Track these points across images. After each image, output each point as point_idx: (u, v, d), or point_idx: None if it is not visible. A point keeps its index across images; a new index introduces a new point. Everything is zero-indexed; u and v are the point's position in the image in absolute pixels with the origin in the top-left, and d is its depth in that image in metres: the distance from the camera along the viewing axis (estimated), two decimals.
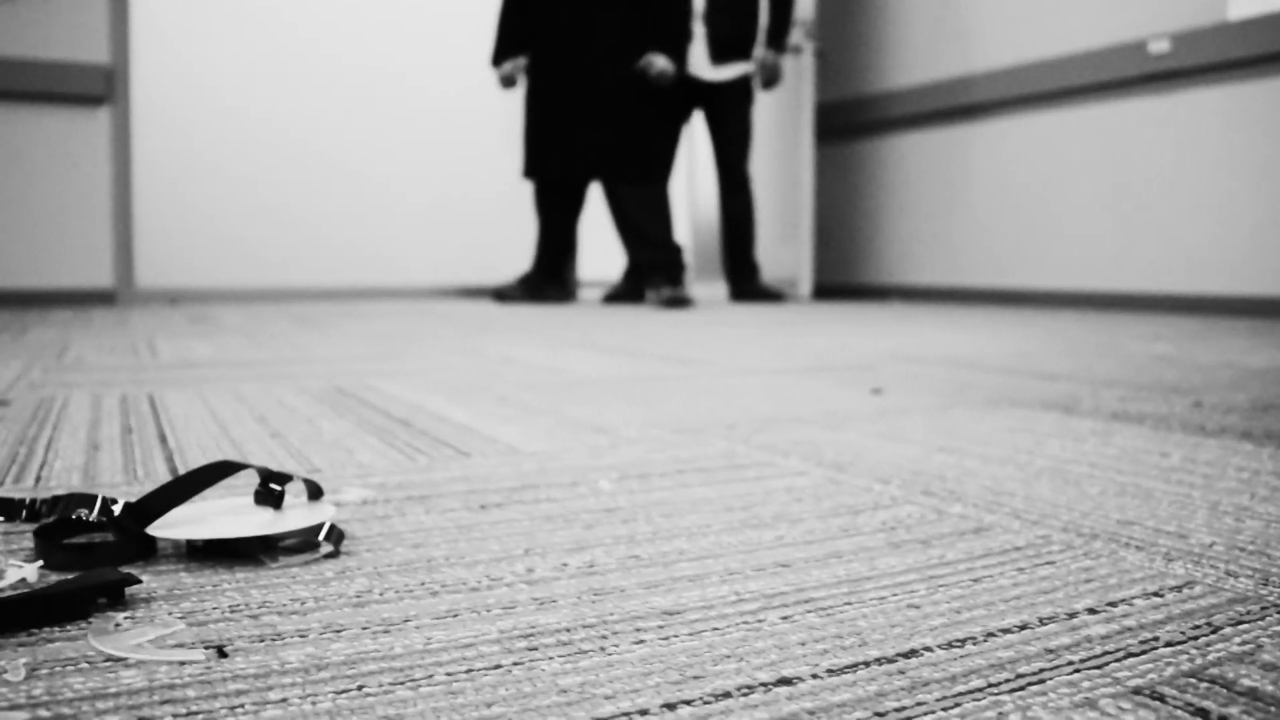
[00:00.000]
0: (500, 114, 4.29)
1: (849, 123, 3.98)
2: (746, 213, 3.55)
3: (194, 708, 0.35)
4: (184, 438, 0.87)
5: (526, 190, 4.34)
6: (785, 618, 0.45)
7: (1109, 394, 1.18)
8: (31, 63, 3.20)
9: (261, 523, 0.53)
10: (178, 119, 3.88)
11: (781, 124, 3.84)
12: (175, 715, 0.34)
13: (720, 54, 3.41)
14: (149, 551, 0.53)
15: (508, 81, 3.37)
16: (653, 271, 3.20)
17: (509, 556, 0.53)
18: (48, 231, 3.29)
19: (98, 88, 3.27)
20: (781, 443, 0.86)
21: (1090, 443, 0.87)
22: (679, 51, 3.26)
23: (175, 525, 0.53)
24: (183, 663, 0.39)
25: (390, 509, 0.63)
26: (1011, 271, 3.42)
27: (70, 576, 0.50)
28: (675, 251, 3.20)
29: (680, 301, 3.05)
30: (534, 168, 3.34)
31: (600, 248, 4.39)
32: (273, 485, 0.55)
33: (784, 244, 3.85)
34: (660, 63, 3.21)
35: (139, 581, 0.45)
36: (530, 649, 0.41)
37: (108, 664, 0.39)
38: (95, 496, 0.58)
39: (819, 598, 0.48)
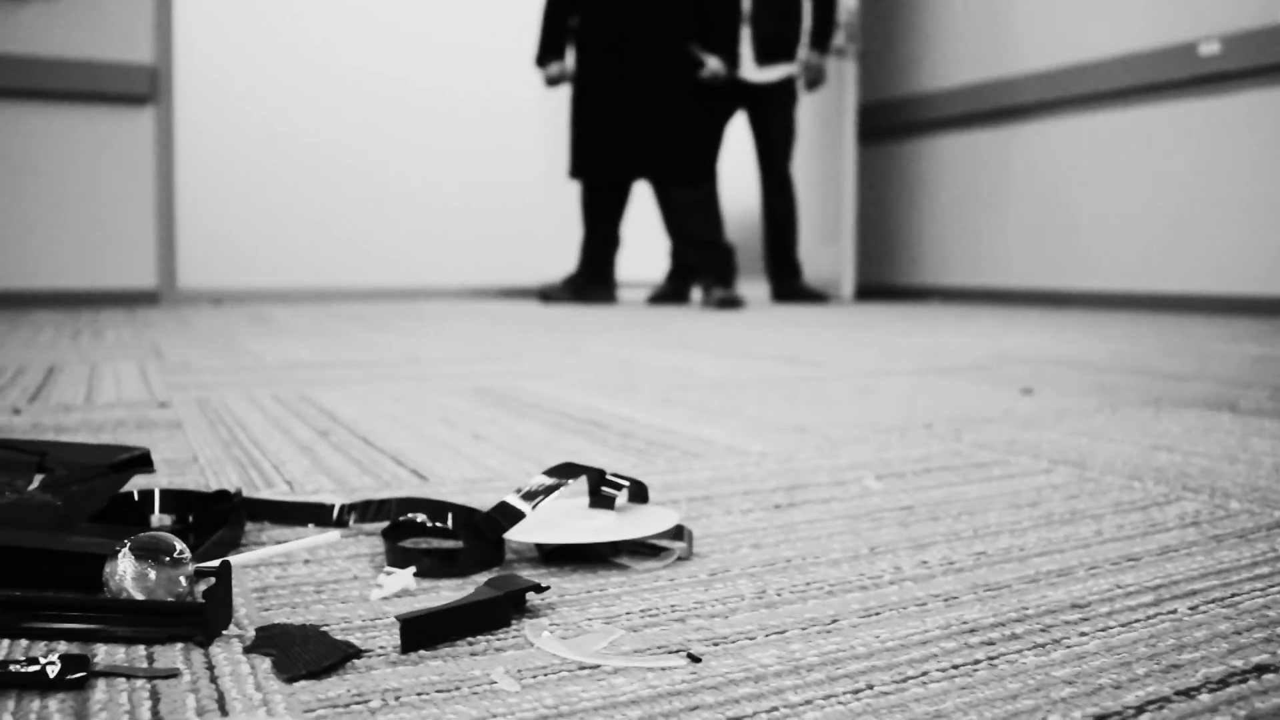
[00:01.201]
0: (536, 116, 4.29)
1: (888, 124, 4.00)
2: (789, 213, 3.56)
3: (728, 713, 0.35)
4: (389, 441, 0.87)
5: (561, 191, 4.35)
6: (1193, 609, 0.45)
7: (1257, 395, 1.19)
8: (77, 62, 3.19)
9: (606, 525, 0.53)
10: (219, 120, 3.86)
11: (822, 125, 3.85)
12: None
13: (765, 55, 3.42)
14: (500, 557, 0.53)
15: (553, 82, 3.36)
16: (704, 272, 3.21)
17: (860, 555, 0.54)
18: (92, 232, 3.28)
19: (143, 87, 3.26)
20: (995, 441, 0.87)
21: None
22: (731, 53, 3.27)
23: (524, 530, 0.53)
24: (663, 668, 0.39)
25: (687, 510, 0.63)
26: (1051, 273, 3.44)
27: (483, 584, 0.50)
28: (726, 252, 3.21)
29: (732, 302, 3.05)
30: (581, 168, 3.34)
31: (636, 248, 4.39)
32: (606, 489, 0.55)
33: (823, 244, 3.86)
34: (714, 64, 3.22)
35: (547, 588, 0.45)
36: (986, 643, 0.41)
37: (585, 671, 0.39)
38: (405, 501, 0.59)
39: (1203, 589, 0.48)
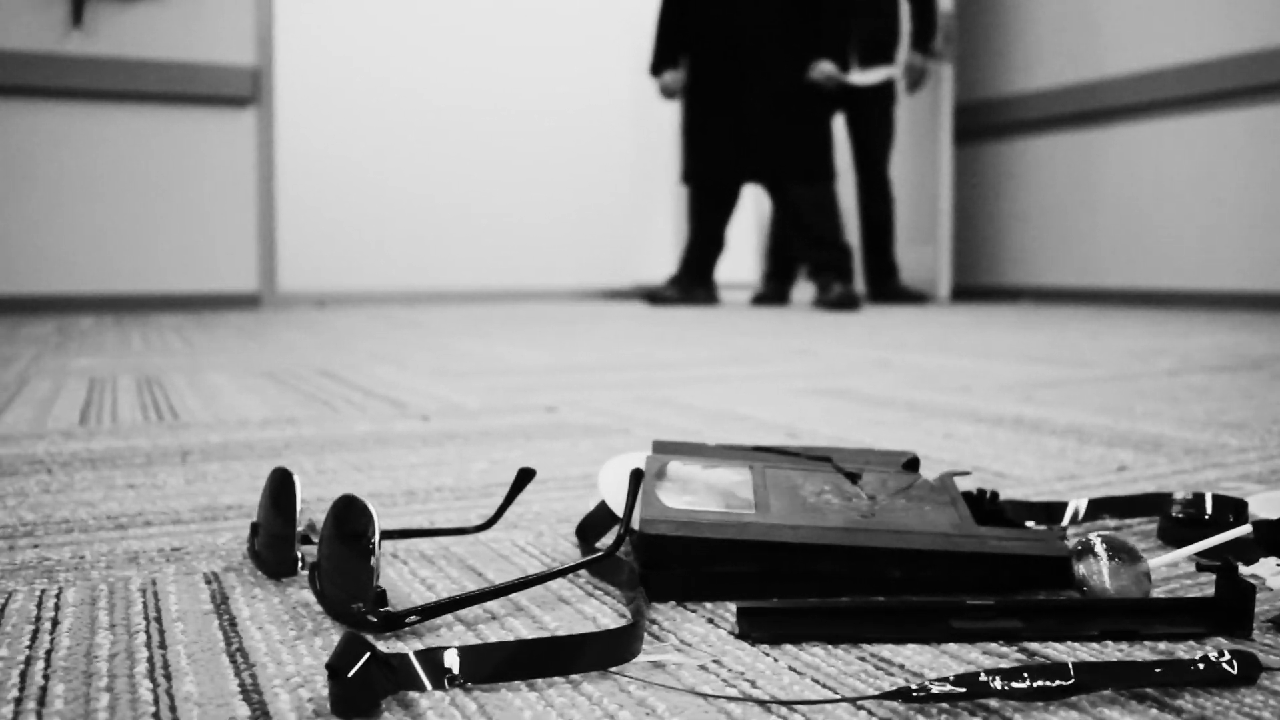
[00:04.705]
0: (629, 123, 4.31)
1: (980, 125, 4.05)
2: (887, 215, 3.60)
3: None
4: (891, 443, 0.89)
5: (650, 196, 4.37)
6: None
7: None
8: (181, 64, 3.18)
9: None
10: (317, 122, 3.86)
11: (918, 126, 3.89)
12: None
13: (866, 58, 3.46)
14: None
15: (668, 92, 3.38)
16: (824, 271, 3.24)
17: None
18: (194, 234, 3.27)
19: (244, 89, 3.25)
20: None
21: None
22: (843, 56, 3.31)
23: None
24: None
25: None
26: (1145, 272, 3.50)
27: None
28: (846, 252, 3.25)
29: (850, 300, 3.09)
30: (695, 172, 3.36)
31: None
32: None
33: (915, 245, 3.90)
34: (829, 68, 3.25)
35: None
36: None
37: None
38: (1136, 498, 0.60)
39: None
